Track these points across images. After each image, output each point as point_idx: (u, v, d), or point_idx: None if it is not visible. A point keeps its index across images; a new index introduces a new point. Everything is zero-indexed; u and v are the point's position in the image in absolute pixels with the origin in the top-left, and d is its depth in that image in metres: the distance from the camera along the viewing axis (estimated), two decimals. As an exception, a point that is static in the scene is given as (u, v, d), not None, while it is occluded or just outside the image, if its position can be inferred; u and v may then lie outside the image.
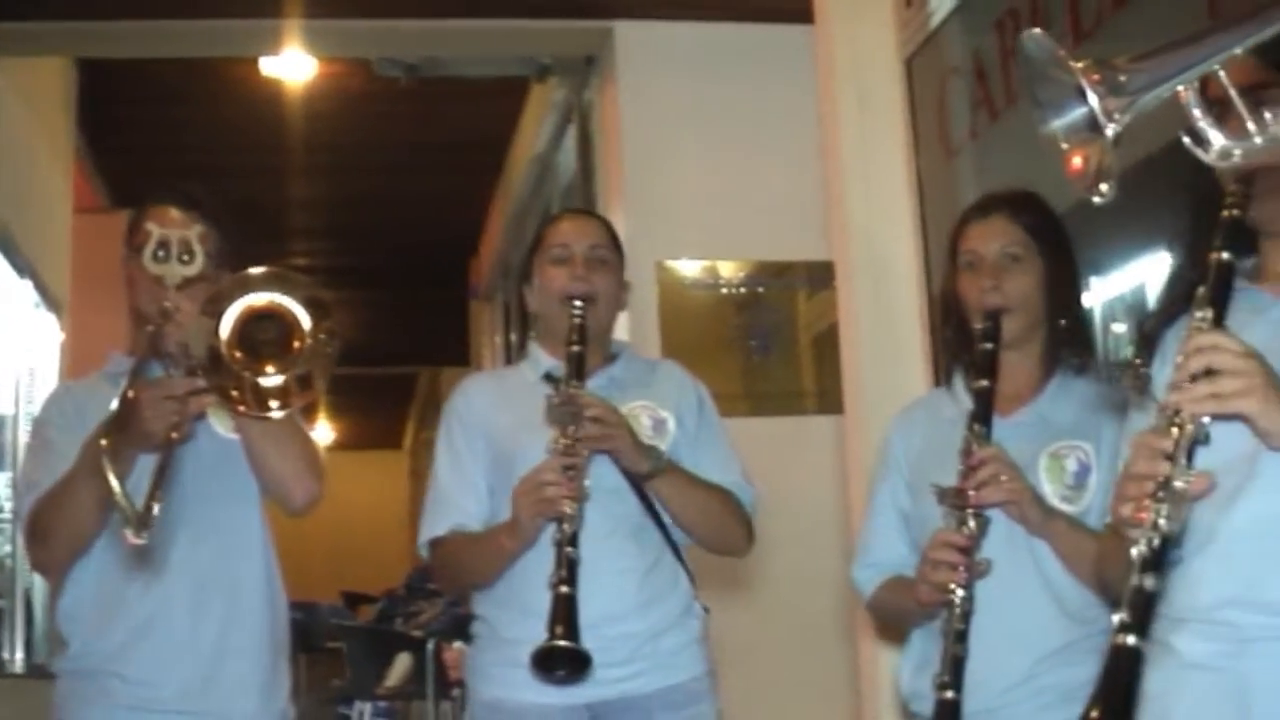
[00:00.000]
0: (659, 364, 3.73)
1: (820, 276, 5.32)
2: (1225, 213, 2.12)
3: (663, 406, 3.42)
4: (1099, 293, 3.93)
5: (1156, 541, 1.97)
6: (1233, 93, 1.33)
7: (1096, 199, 1.29)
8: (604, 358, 3.45)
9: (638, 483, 3.30)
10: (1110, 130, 1.27)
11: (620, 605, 3.24)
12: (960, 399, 3.02)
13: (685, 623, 3.36)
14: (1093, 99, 1.26)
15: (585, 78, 7.30)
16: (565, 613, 3.03)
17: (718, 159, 6.44)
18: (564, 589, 3.05)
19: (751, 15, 6.38)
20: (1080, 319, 3.10)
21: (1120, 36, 3.73)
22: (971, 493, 2.79)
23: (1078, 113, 1.27)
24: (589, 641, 3.05)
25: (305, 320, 2.99)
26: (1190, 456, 2.00)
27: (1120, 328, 3.74)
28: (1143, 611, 2.00)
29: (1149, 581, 1.98)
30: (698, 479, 3.35)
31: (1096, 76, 1.26)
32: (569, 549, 3.07)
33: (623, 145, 6.60)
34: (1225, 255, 2.11)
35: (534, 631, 3.05)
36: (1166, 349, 2.20)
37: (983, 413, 2.88)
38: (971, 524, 2.79)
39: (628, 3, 6.56)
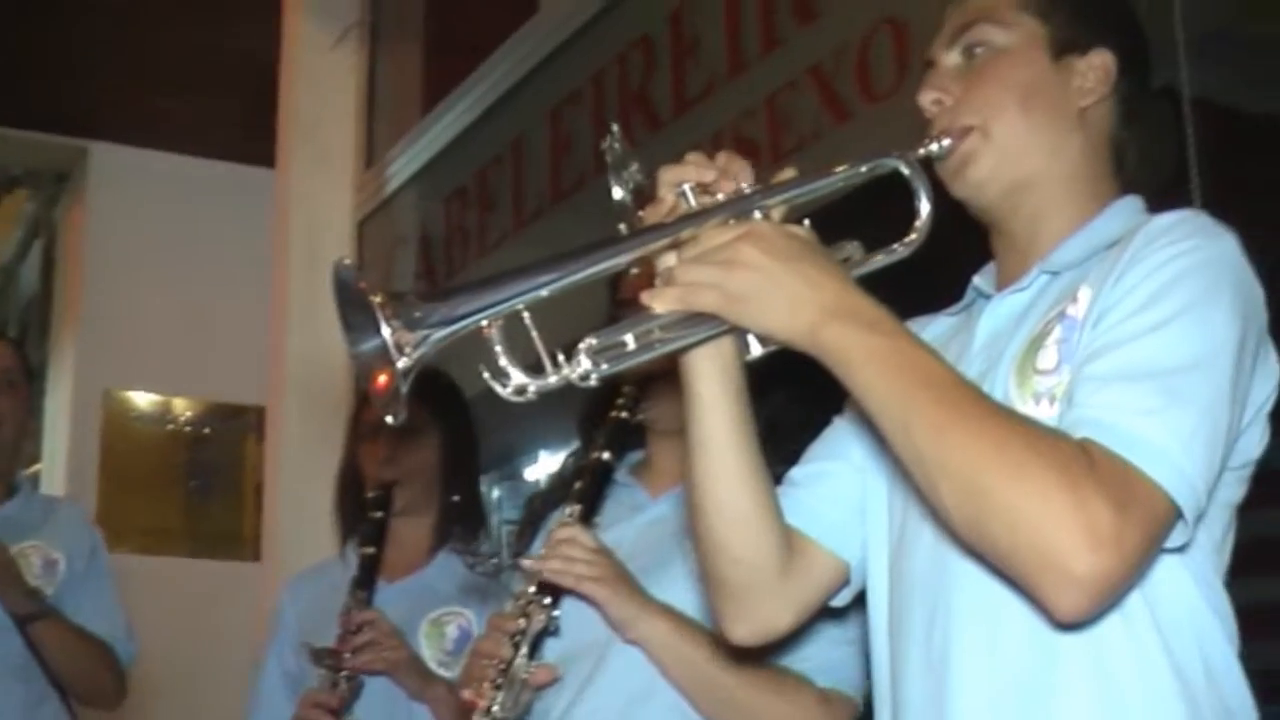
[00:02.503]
0: (59, 504, 3.71)
1: (271, 423, 5.30)
2: (613, 413, 2.24)
3: (55, 548, 3.38)
4: (542, 468, 4.05)
5: (491, 727, 2.05)
6: (534, 335, 1.40)
7: (390, 420, 1.33)
8: (3, 490, 3.40)
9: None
10: (402, 362, 1.31)
11: None
12: (350, 565, 3.04)
13: None
14: (386, 331, 1.30)
15: (56, 195, 7.10)
16: None
17: (180, 294, 6.35)
18: None
19: (221, 153, 6.37)
20: (474, 496, 3.19)
21: (557, 224, 3.90)
22: (348, 655, 2.81)
23: (376, 341, 1.31)
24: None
25: None
26: (536, 647, 2.08)
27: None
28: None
29: (482, 765, 2.05)
30: (78, 629, 3.31)
31: (390, 310, 1.30)
32: None
33: (85, 267, 6.47)
34: (605, 455, 2.23)
35: None
36: (548, 532, 2.28)
37: (366, 578, 2.91)
38: (344, 685, 2.80)
39: (105, 125, 6.44)
